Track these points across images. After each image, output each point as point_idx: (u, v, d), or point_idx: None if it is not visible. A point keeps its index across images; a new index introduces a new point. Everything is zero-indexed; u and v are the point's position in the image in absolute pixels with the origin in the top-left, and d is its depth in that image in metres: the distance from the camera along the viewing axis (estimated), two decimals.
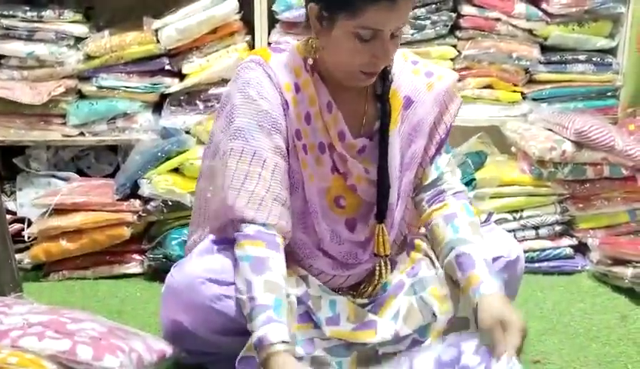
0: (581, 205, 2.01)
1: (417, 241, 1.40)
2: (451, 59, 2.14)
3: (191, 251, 1.30)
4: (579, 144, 1.94)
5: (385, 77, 1.29)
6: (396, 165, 1.30)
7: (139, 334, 1.19)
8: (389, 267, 1.37)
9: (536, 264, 1.99)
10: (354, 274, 1.36)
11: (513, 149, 2.14)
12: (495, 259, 1.30)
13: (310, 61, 1.24)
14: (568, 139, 1.95)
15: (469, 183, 1.99)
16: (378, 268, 1.36)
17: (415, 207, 1.38)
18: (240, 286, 1.16)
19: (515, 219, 2.00)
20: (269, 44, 2.06)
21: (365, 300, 1.36)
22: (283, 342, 1.09)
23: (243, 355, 1.17)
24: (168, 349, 1.19)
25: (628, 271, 1.78)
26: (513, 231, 1.98)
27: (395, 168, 1.30)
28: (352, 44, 1.15)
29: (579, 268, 1.99)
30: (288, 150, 1.24)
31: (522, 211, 2.01)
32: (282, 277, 1.16)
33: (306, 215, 1.28)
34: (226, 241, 1.22)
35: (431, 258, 1.35)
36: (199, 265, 1.21)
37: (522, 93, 2.20)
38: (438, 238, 1.31)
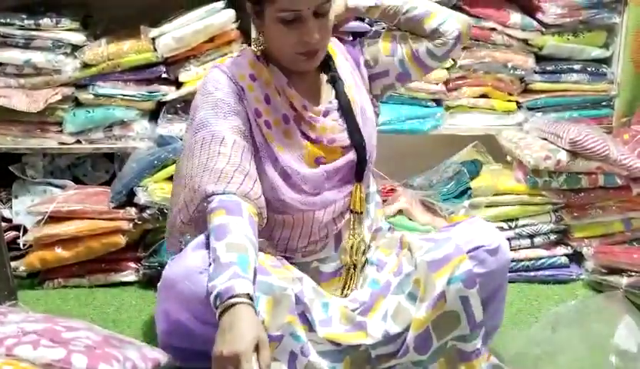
0: (576, 214, 2.01)
1: (404, 239, 1.42)
2: (447, 68, 2.15)
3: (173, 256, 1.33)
4: (574, 154, 1.95)
5: (328, 62, 1.42)
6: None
7: (134, 343, 1.19)
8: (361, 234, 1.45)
9: (531, 273, 1.99)
10: (331, 259, 1.43)
11: (508, 158, 2.15)
12: (474, 249, 1.31)
13: (258, 53, 1.38)
14: (563, 148, 1.96)
15: (464, 192, 2.00)
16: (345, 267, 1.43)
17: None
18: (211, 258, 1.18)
19: (510, 228, 2.00)
20: None
21: (356, 305, 1.37)
22: (248, 296, 1.10)
23: None
24: (162, 357, 1.19)
25: (623, 280, 1.79)
26: (508, 239, 1.98)
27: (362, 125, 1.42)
28: (279, 29, 1.28)
29: (574, 277, 2.00)
30: (251, 129, 1.34)
31: (517, 219, 2.01)
32: (247, 238, 1.19)
33: (279, 187, 1.36)
34: None
35: (411, 250, 1.39)
36: (196, 257, 1.22)
37: (517, 102, 2.21)
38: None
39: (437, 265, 1.32)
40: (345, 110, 1.41)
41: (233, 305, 1.08)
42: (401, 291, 1.35)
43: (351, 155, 1.41)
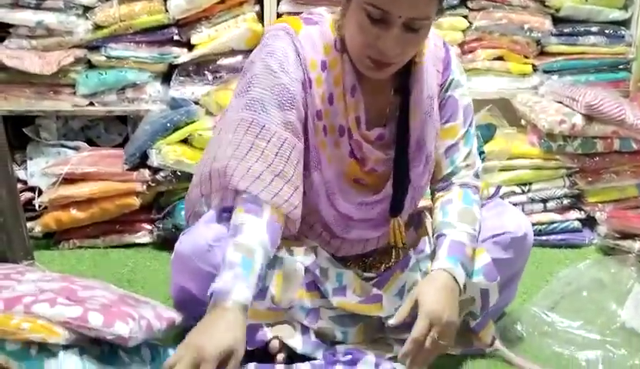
0: (590, 179, 2.00)
1: (423, 216, 1.41)
2: (462, 30, 2.12)
3: (191, 218, 1.31)
4: (589, 118, 1.92)
5: (407, 71, 1.25)
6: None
7: (149, 302, 1.21)
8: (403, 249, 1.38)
9: (543, 237, 1.99)
10: (359, 246, 1.38)
11: (523, 122, 2.13)
12: (498, 235, 1.30)
13: (336, 36, 1.21)
14: (579, 112, 1.93)
15: (478, 156, 1.99)
16: (394, 251, 1.39)
17: (431, 198, 1.39)
18: None
19: (523, 192, 2.00)
20: (279, 15, 2.05)
21: (372, 274, 1.37)
22: (241, 305, 1.06)
23: (247, 323, 1.18)
24: (177, 317, 1.21)
25: (636, 245, 1.79)
26: (521, 204, 1.98)
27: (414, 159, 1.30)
28: (361, 19, 1.12)
29: (586, 242, 1.99)
30: (306, 129, 1.22)
31: (531, 184, 2.00)
32: (257, 241, 1.12)
33: (319, 196, 1.27)
34: (231, 210, 1.21)
35: (429, 235, 1.38)
36: (206, 232, 1.21)
37: (533, 65, 2.18)
38: (433, 222, 1.33)
39: None
40: (399, 142, 1.27)
41: (223, 308, 1.04)
42: (418, 269, 1.34)
43: (389, 189, 1.30)
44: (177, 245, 1.26)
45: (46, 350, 0.98)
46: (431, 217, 1.37)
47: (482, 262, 1.29)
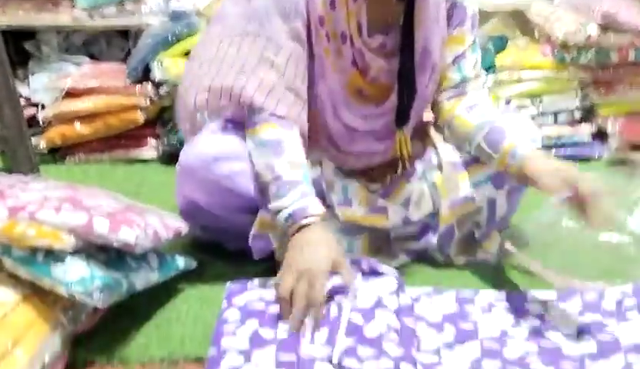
0: (603, 91, 1.96)
1: (428, 128, 1.38)
2: None
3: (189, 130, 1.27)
4: (605, 28, 1.86)
5: None
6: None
7: (155, 212, 1.20)
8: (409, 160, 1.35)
9: (553, 151, 1.96)
10: (366, 159, 1.36)
11: (536, 34, 2.06)
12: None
13: None
14: (595, 22, 1.87)
15: (490, 68, 1.94)
16: (400, 163, 1.35)
17: (432, 109, 1.35)
18: (261, 171, 1.13)
19: (533, 104, 1.96)
20: None
21: (377, 185, 1.36)
22: (322, 216, 1.09)
23: (254, 233, 1.18)
24: (183, 226, 1.21)
25: None
26: (532, 117, 1.94)
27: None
28: None
29: (596, 156, 1.97)
30: (310, 36, 1.18)
31: (542, 96, 1.96)
32: (303, 157, 1.14)
33: (324, 108, 1.24)
34: (235, 121, 1.19)
35: (435, 146, 1.35)
36: (211, 143, 1.18)
37: None
38: (462, 128, 1.28)
39: (460, 167, 1.31)
40: (404, 51, 1.22)
41: (308, 225, 1.06)
42: (425, 179, 1.33)
43: (394, 100, 1.26)
44: (181, 156, 1.23)
45: (52, 256, 0.98)
46: (436, 128, 1.35)
47: (488, 170, 1.29)
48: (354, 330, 0.95)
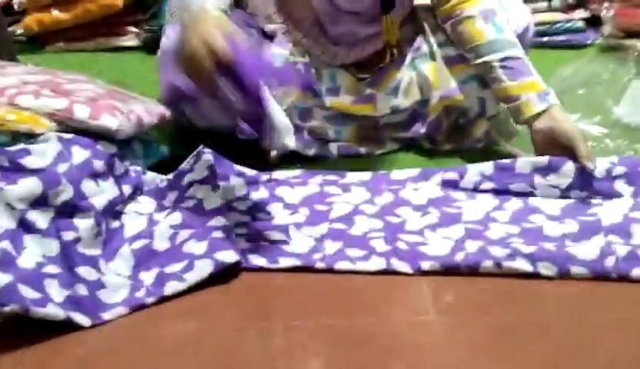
0: None
1: (419, 13, 1.34)
2: None
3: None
4: None
5: None
6: None
7: (138, 98, 1.18)
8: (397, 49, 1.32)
9: (545, 38, 1.93)
10: (356, 51, 1.32)
11: None
12: None
13: None
14: None
15: None
16: (388, 51, 1.31)
17: None
18: None
19: None
20: None
21: (366, 74, 1.33)
22: (222, 9, 1.02)
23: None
24: (167, 112, 1.19)
25: (639, 44, 1.74)
26: (525, 2, 1.89)
27: None
28: None
29: (589, 42, 1.94)
30: None
31: None
32: None
33: None
34: None
35: (425, 31, 1.31)
36: None
37: None
38: (471, 34, 1.22)
39: (452, 60, 1.28)
40: None
41: (203, 9, 0.99)
42: (414, 68, 1.30)
43: None
44: (162, 40, 1.21)
45: (34, 140, 0.96)
46: (451, 28, 1.28)
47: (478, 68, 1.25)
48: (339, 235, 0.99)
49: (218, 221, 0.95)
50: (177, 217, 0.97)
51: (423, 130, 1.32)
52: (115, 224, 0.97)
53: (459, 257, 0.94)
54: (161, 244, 0.94)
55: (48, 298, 0.80)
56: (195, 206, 0.97)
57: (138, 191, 1.04)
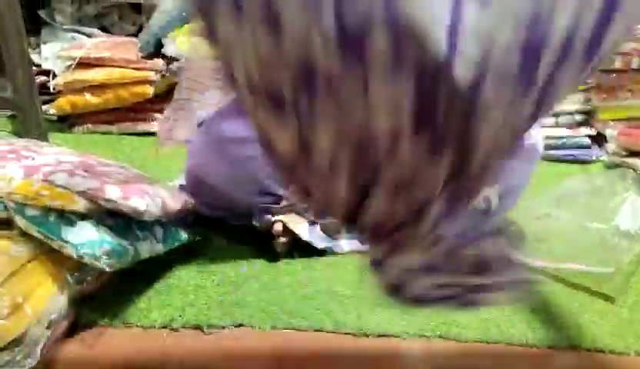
0: (604, 96, 1.99)
1: None
2: None
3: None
4: None
5: None
6: None
7: (163, 185, 1.23)
8: None
9: (552, 152, 2.00)
10: None
11: None
12: None
13: None
14: None
15: None
16: None
17: None
18: None
19: None
20: None
21: None
22: None
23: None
24: (190, 200, 1.24)
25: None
26: None
27: None
28: None
29: (594, 158, 2.01)
30: None
31: None
32: None
33: None
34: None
35: None
36: (224, 125, 1.20)
37: None
38: None
39: None
40: None
41: None
42: None
43: None
44: (193, 138, 1.28)
45: (64, 217, 1.01)
46: None
47: None
48: None
49: None
50: None
51: None
52: None
53: None
54: None
55: None
56: None
57: None
